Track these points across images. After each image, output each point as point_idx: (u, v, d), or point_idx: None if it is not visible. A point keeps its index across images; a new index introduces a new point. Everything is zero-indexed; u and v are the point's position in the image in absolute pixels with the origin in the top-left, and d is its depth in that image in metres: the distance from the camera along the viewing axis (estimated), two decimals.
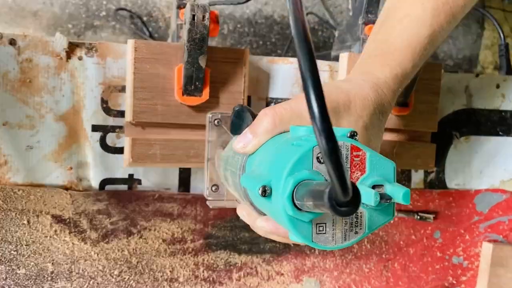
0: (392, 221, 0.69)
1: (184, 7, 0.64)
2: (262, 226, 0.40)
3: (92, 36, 1.41)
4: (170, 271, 0.63)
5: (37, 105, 0.57)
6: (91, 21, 1.42)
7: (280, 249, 0.67)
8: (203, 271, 0.64)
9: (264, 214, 0.40)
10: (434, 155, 0.68)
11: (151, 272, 0.62)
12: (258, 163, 0.39)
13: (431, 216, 0.72)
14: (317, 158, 0.32)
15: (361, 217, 0.34)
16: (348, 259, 0.69)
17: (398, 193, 0.32)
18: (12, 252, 0.57)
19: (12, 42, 0.56)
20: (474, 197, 0.75)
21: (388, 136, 0.67)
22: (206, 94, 0.57)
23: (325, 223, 0.33)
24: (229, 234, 0.65)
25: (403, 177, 0.72)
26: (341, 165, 0.25)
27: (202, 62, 0.54)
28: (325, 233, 0.33)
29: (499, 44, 0.95)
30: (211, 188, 0.53)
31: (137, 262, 0.61)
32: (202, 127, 0.59)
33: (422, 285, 0.73)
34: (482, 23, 1.82)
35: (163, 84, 0.57)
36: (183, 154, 0.58)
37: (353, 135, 0.34)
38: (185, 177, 0.63)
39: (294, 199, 0.31)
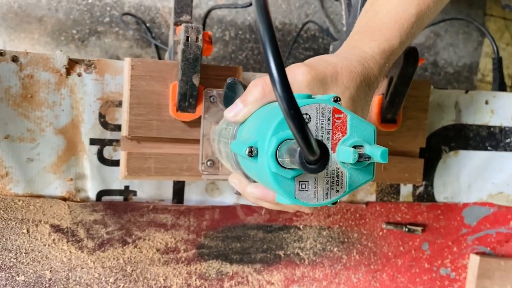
0: (381, 233, 0.72)
1: (180, 24, 0.66)
2: (252, 192, 0.42)
3: (96, 42, 1.44)
4: (163, 280, 0.65)
5: (38, 119, 0.59)
6: (95, 27, 1.45)
7: (270, 259, 0.69)
8: (195, 280, 0.66)
9: (255, 182, 0.42)
10: (422, 170, 0.70)
11: (145, 280, 0.64)
12: (247, 129, 0.40)
13: (419, 228, 0.74)
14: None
15: (342, 176, 0.35)
16: (337, 269, 0.72)
17: (376, 152, 0.33)
18: (12, 259, 0.59)
19: (15, 58, 0.58)
20: (462, 210, 0.76)
21: None
22: (199, 110, 0.59)
23: (307, 181, 0.34)
24: (221, 244, 0.67)
25: (392, 190, 0.74)
26: (304, 127, 0.26)
27: (196, 80, 0.57)
28: (307, 190, 0.34)
29: (493, 58, 0.97)
30: (206, 163, 0.56)
31: (132, 271, 0.64)
32: (195, 141, 0.61)
33: None
34: (483, 31, 1.83)
35: (158, 101, 0.59)
36: (177, 167, 0.60)
37: (336, 100, 0.36)
38: (178, 189, 0.65)
39: (277, 156, 0.33)
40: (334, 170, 0.35)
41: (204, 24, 1.01)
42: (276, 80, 0.27)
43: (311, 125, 0.34)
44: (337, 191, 0.35)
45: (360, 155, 0.33)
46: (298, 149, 0.28)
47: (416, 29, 0.51)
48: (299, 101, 0.31)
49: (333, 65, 0.43)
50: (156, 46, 1.37)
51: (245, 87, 0.46)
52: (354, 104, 0.43)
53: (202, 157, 0.56)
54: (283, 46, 1.60)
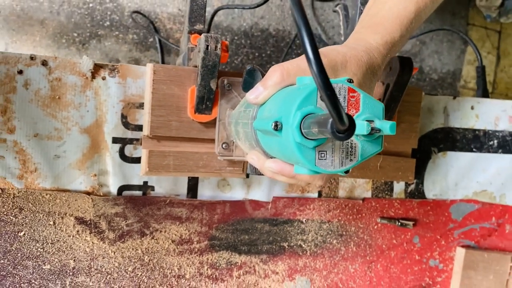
0: (376, 227, 0.78)
1: (194, 33, 0.71)
2: (270, 166, 0.47)
3: (96, 45, 1.48)
4: (178, 269, 0.70)
5: (65, 119, 0.64)
6: (95, 30, 1.49)
7: (275, 250, 0.74)
8: (207, 269, 0.71)
9: (272, 158, 0.48)
10: (414, 169, 0.77)
11: (161, 269, 0.69)
12: (268, 109, 0.45)
13: (411, 223, 0.80)
14: (321, 96, 0.39)
15: (355, 147, 0.41)
16: (336, 260, 0.77)
17: (386, 125, 0.38)
18: (39, 249, 0.64)
19: (44, 63, 0.63)
20: (449, 207, 0.83)
21: None
22: (215, 112, 0.64)
23: (326, 151, 0.40)
24: (231, 237, 0.72)
25: (386, 187, 0.80)
26: (337, 101, 0.31)
27: (213, 85, 0.62)
28: (325, 159, 0.40)
29: (477, 67, 1.04)
30: (222, 145, 0.62)
31: (149, 260, 0.68)
32: (210, 141, 0.66)
33: (402, 285, 0.82)
34: (465, 39, 1.92)
35: (177, 103, 0.64)
36: (193, 164, 0.66)
37: (350, 81, 0.41)
38: (193, 184, 0.70)
39: (302, 128, 0.38)
40: (348, 142, 0.40)
41: (210, 24, 1.06)
42: (312, 61, 0.31)
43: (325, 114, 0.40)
44: (350, 160, 0.41)
45: (372, 128, 0.38)
46: (330, 120, 0.33)
47: (415, 25, 0.57)
48: None
49: (342, 54, 0.48)
50: (161, 49, 1.42)
51: (263, 73, 0.51)
52: (361, 88, 0.49)
53: (218, 140, 0.62)
54: (276, 52, 1.66)
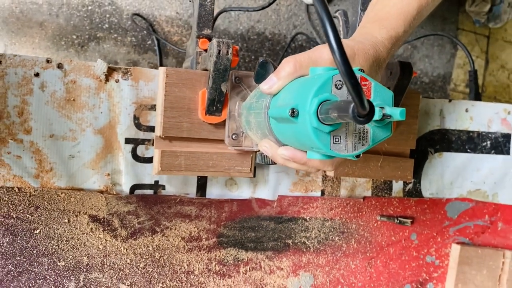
0: (376, 224, 0.81)
1: (202, 37, 0.74)
2: (282, 153, 0.50)
3: (95, 47, 1.50)
4: (187, 265, 0.72)
5: (79, 120, 0.66)
6: (94, 32, 1.50)
7: (280, 247, 0.77)
8: (215, 265, 0.74)
9: (284, 145, 0.50)
10: (412, 169, 0.80)
11: (171, 266, 0.71)
12: (282, 98, 0.48)
13: (409, 220, 0.84)
14: (335, 85, 0.42)
15: (367, 132, 0.44)
16: (338, 256, 0.81)
17: (396, 111, 0.40)
18: (54, 246, 0.66)
19: (60, 66, 0.65)
20: (445, 205, 0.87)
21: (373, 152, 0.78)
22: (224, 114, 0.67)
23: (340, 136, 0.42)
24: (238, 234, 0.75)
25: (385, 187, 0.83)
26: (359, 87, 0.34)
27: (224, 88, 0.65)
28: (339, 143, 0.43)
29: (469, 70, 1.08)
30: (232, 136, 0.65)
31: (160, 257, 0.71)
32: (220, 141, 0.69)
33: (400, 280, 0.85)
34: (455, 44, 1.97)
35: (188, 105, 0.67)
36: (204, 164, 0.68)
37: (361, 70, 0.44)
38: (202, 184, 0.73)
39: (318, 114, 0.41)
40: (360, 128, 0.43)
41: (213, 25, 1.09)
42: (336, 51, 0.34)
43: (344, 90, 0.42)
44: (363, 144, 0.44)
45: (383, 114, 0.41)
46: (352, 105, 0.35)
47: (417, 21, 0.60)
48: (335, 71, 0.40)
49: (350, 47, 0.51)
50: (160, 51, 1.44)
51: (275, 66, 0.54)
52: None
53: (227, 131, 0.65)
54: (272, 55, 1.69)
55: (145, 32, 1.50)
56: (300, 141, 0.45)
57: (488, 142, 0.88)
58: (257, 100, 0.55)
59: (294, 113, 0.42)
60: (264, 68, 0.56)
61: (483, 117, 0.87)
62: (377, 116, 0.39)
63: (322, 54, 0.49)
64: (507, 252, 0.88)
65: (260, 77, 0.55)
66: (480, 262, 0.86)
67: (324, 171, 0.78)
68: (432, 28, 1.94)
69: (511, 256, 0.87)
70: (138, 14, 1.50)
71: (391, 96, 0.44)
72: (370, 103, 0.36)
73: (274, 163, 0.65)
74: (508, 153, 0.89)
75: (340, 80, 0.42)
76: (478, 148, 0.88)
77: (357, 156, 0.45)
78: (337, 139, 0.42)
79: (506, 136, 0.89)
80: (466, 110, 0.87)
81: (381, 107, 0.41)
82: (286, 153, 0.50)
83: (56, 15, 1.47)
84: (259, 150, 0.66)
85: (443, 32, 1.78)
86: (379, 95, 0.43)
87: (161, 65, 1.51)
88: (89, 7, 1.49)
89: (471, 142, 0.87)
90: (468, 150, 0.87)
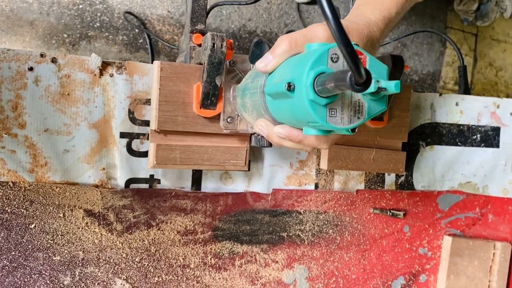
0: (369, 217, 0.82)
1: (196, 32, 0.74)
2: (278, 131, 0.50)
3: (86, 46, 1.49)
4: (183, 259, 0.73)
5: (74, 115, 0.66)
6: (85, 31, 1.50)
7: (275, 240, 0.78)
8: (210, 259, 0.74)
9: (279, 124, 0.50)
10: (404, 162, 0.81)
11: (167, 260, 0.72)
12: (278, 75, 0.48)
13: (401, 213, 0.85)
14: (331, 58, 0.42)
15: (362, 106, 0.44)
16: (332, 249, 0.81)
17: (390, 84, 0.41)
18: (49, 241, 0.66)
19: (54, 60, 0.65)
20: (437, 197, 0.88)
21: (366, 145, 0.79)
22: (219, 107, 0.68)
23: (336, 109, 0.43)
24: (233, 227, 0.75)
25: (378, 180, 0.84)
26: (356, 55, 0.34)
27: (218, 81, 0.65)
28: (336, 116, 0.43)
29: (458, 66, 1.10)
30: (227, 119, 0.66)
31: (155, 251, 0.71)
32: (215, 135, 0.69)
33: (394, 272, 0.86)
34: (444, 42, 2.00)
35: (183, 99, 0.67)
36: (199, 158, 0.69)
37: (356, 45, 0.44)
38: (197, 177, 0.73)
39: (315, 86, 0.41)
40: (356, 101, 0.44)
41: (207, 13, 1.09)
42: (330, 20, 0.34)
43: (339, 63, 0.43)
44: (358, 118, 0.44)
45: (379, 87, 0.41)
46: (349, 73, 0.36)
47: (408, 4, 0.61)
48: (331, 45, 0.41)
49: (345, 26, 0.52)
50: (152, 50, 1.44)
51: (269, 45, 0.54)
52: None
53: (223, 114, 0.65)
54: None
55: (136, 30, 1.50)
56: (296, 117, 0.45)
57: (478, 135, 0.89)
58: (252, 80, 0.55)
59: (290, 87, 0.43)
60: (259, 48, 0.57)
61: (473, 110, 0.89)
62: (372, 88, 0.39)
63: (317, 32, 0.50)
64: (497, 244, 0.89)
65: (255, 57, 0.56)
66: (471, 253, 0.88)
67: (318, 151, 0.79)
68: (421, 27, 1.96)
69: (502, 248, 0.89)
70: (130, 13, 1.50)
71: (386, 70, 0.44)
72: (367, 71, 0.36)
73: (269, 145, 0.65)
74: (497, 146, 0.91)
75: (336, 54, 0.43)
76: (468, 141, 0.89)
77: (352, 130, 0.45)
78: (333, 112, 0.43)
79: (495, 129, 0.90)
80: (456, 104, 0.88)
81: (376, 81, 0.41)
82: (282, 131, 0.50)
83: (47, 13, 1.46)
84: (254, 133, 0.66)
85: (433, 30, 1.80)
86: (374, 68, 0.44)
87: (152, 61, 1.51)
88: (80, 6, 1.49)
89: (461, 135, 0.89)
90: (459, 143, 0.89)
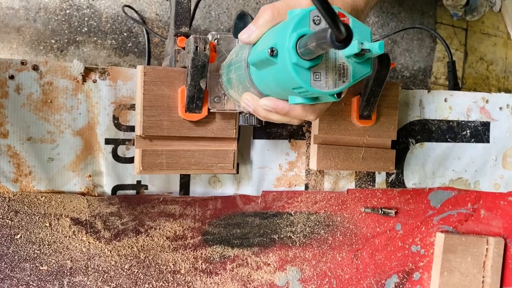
0: (360, 216, 0.81)
1: (180, 35, 0.74)
2: (264, 104, 0.49)
3: (75, 51, 1.48)
4: (173, 264, 0.72)
5: (57, 122, 0.65)
6: (73, 36, 1.49)
7: (266, 243, 0.77)
8: (201, 264, 0.73)
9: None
10: (394, 160, 0.81)
11: (157, 266, 0.71)
12: (261, 44, 0.47)
13: (393, 211, 0.84)
14: (313, 20, 0.42)
15: (347, 69, 0.43)
16: (324, 249, 0.81)
17: (374, 45, 0.40)
18: (36, 251, 0.65)
19: (35, 67, 0.64)
20: (428, 194, 0.88)
21: (355, 144, 0.78)
22: (205, 111, 0.67)
23: (320, 72, 0.42)
24: (223, 231, 0.74)
25: (368, 178, 0.84)
26: (334, 13, 0.34)
27: (203, 84, 0.64)
28: (320, 80, 0.42)
29: (448, 62, 1.09)
30: (214, 99, 0.65)
31: (145, 257, 0.70)
32: (201, 139, 0.69)
33: (387, 271, 0.85)
34: (435, 37, 2.00)
35: (168, 103, 0.66)
36: (186, 162, 0.68)
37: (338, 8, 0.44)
38: (185, 182, 0.73)
39: (297, 49, 0.40)
40: (340, 64, 0.43)
41: (193, 16, 1.07)
42: None
43: (322, 26, 0.42)
44: (343, 81, 0.43)
45: (362, 49, 0.40)
46: (329, 30, 0.35)
47: None
48: (313, 7, 0.40)
49: None
50: (149, 54, 1.43)
51: (252, 18, 0.54)
52: None
53: (209, 94, 0.64)
54: None
55: (125, 34, 1.49)
56: (281, 85, 0.45)
57: (468, 131, 0.89)
58: (236, 55, 0.54)
59: (273, 52, 0.42)
60: (242, 20, 0.56)
61: (462, 106, 0.88)
62: (355, 49, 0.39)
63: (300, 1, 0.49)
64: (490, 239, 0.89)
65: (239, 30, 0.55)
66: (464, 249, 0.87)
67: (307, 151, 0.78)
68: (411, 23, 1.96)
69: (495, 243, 0.89)
70: (129, 6, 1.48)
71: (369, 32, 0.44)
72: (347, 26, 0.35)
73: (259, 123, 0.64)
74: (487, 141, 0.90)
75: (318, 16, 0.42)
76: (458, 137, 0.89)
77: (338, 96, 0.44)
78: (317, 76, 0.42)
79: (485, 125, 0.90)
80: (445, 100, 0.88)
81: (360, 42, 0.41)
82: (268, 103, 0.49)
83: (34, 19, 1.45)
84: (242, 112, 0.65)
85: (422, 25, 1.80)
86: (357, 31, 0.43)
87: (149, 61, 1.50)
88: (67, 11, 1.48)
89: (451, 131, 0.88)
90: (449, 140, 0.88)
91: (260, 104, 0.50)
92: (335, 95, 0.44)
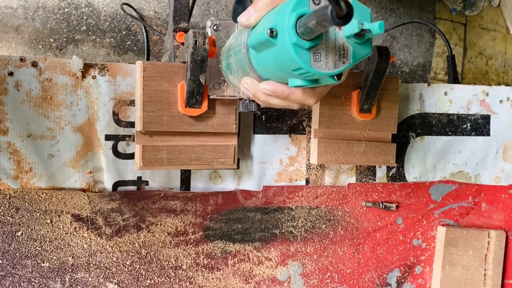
0: (361, 210, 0.81)
1: (179, 31, 0.73)
2: (263, 87, 0.49)
3: (74, 50, 1.48)
4: (174, 260, 0.72)
5: (57, 119, 0.65)
6: (72, 35, 1.48)
7: (268, 238, 0.77)
8: (203, 259, 0.73)
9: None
10: (394, 153, 0.81)
11: (159, 262, 0.71)
12: (261, 26, 0.47)
13: (394, 205, 0.84)
14: (313, 0, 0.41)
15: (347, 50, 0.43)
16: (326, 244, 0.81)
17: (374, 25, 0.40)
18: (37, 248, 0.65)
19: (34, 64, 0.64)
20: (429, 188, 0.88)
21: (356, 138, 0.78)
22: (205, 106, 0.67)
23: (320, 53, 0.42)
24: (225, 226, 0.74)
25: (369, 172, 0.84)
26: None
27: (202, 79, 0.64)
28: (320, 61, 0.42)
29: (447, 56, 1.09)
30: (214, 85, 0.65)
31: (146, 253, 0.70)
32: (202, 134, 0.69)
33: (388, 265, 0.85)
34: (434, 33, 2.00)
35: (167, 98, 0.66)
36: (186, 157, 0.68)
37: None
38: (185, 177, 0.72)
39: (297, 28, 0.40)
40: (340, 45, 0.43)
41: (191, 12, 1.07)
42: None
43: (322, 5, 0.41)
44: (343, 62, 0.43)
45: (362, 29, 0.40)
46: (330, 7, 0.35)
47: None
48: None
49: None
50: (148, 51, 1.43)
51: (251, 1, 0.53)
52: None
53: (209, 80, 0.64)
54: None
55: (124, 32, 1.49)
56: (280, 67, 0.44)
57: (468, 124, 0.89)
58: (236, 39, 0.54)
59: (273, 33, 0.42)
60: (241, 4, 0.56)
61: (462, 99, 0.88)
62: (355, 29, 0.38)
63: None
64: (491, 232, 0.89)
65: (238, 14, 0.55)
66: (466, 243, 0.87)
67: (308, 146, 0.78)
68: (410, 18, 1.95)
69: (496, 236, 0.89)
70: (127, 4, 1.48)
71: (369, 13, 0.43)
72: (347, 3, 0.35)
73: (258, 109, 0.64)
74: (488, 134, 0.90)
75: None
76: (458, 131, 0.89)
77: (338, 78, 0.44)
78: (317, 57, 0.42)
79: (485, 118, 0.90)
80: (445, 94, 0.87)
81: (360, 23, 0.41)
82: (268, 87, 0.49)
83: (32, 18, 1.45)
84: (242, 99, 0.65)
85: (421, 20, 1.80)
86: (357, 11, 0.42)
87: (148, 59, 1.50)
88: (66, 10, 1.48)
89: (451, 125, 0.88)
90: (449, 133, 0.88)
91: (260, 88, 0.50)
92: (335, 76, 0.44)
